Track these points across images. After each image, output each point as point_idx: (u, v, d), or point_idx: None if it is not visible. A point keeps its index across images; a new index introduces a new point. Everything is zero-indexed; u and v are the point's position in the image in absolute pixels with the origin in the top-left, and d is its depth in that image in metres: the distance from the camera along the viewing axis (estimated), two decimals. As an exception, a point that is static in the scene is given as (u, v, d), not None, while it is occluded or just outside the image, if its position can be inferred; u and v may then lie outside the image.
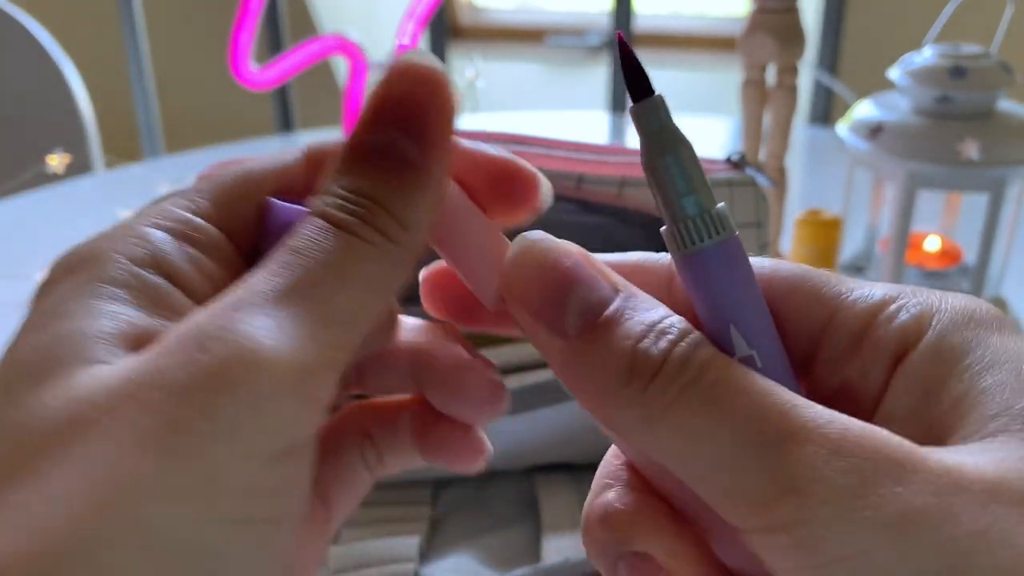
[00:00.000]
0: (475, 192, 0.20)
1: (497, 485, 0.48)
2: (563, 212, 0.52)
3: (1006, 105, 0.61)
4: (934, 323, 0.17)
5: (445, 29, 1.39)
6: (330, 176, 0.18)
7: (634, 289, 0.17)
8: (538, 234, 0.18)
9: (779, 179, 0.64)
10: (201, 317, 0.15)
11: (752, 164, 0.47)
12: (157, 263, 0.17)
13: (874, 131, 0.60)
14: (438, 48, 1.36)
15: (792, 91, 0.62)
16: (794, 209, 0.65)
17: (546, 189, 0.20)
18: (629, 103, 0.17)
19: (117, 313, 0.16)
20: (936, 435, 0.16)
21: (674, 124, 0.17)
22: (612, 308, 0.17)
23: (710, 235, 0.17)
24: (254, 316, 0.15)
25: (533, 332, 0.18)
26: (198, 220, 0.18)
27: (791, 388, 0.17)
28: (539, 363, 0.50)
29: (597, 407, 0.17)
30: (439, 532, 0.46)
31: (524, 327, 0.18)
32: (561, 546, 0.42)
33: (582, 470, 0.47)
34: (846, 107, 0.68)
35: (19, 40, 1.13)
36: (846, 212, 0.66)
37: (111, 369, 0.15)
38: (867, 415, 0.17)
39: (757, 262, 0.19)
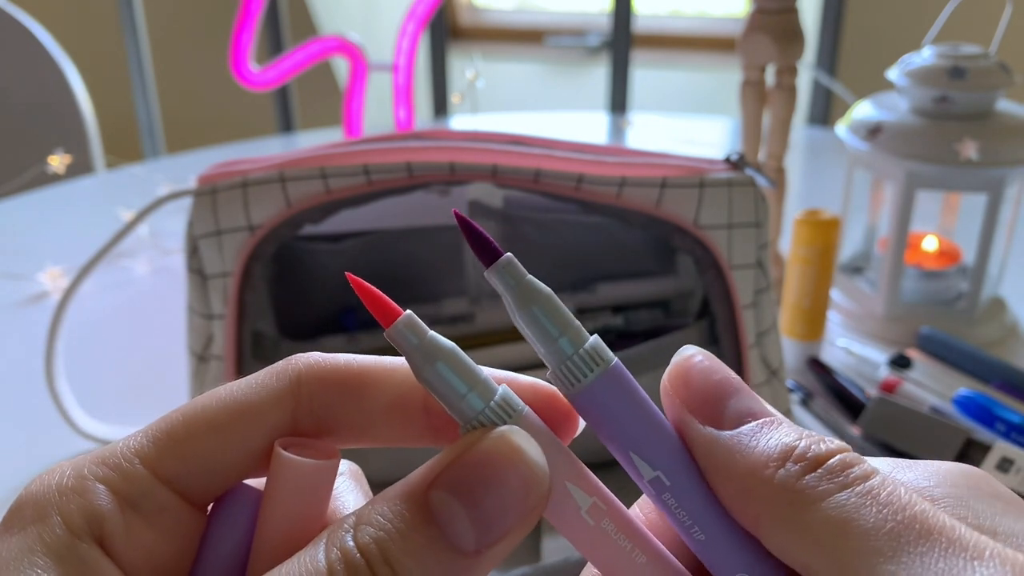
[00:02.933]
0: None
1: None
2: (563, 212, 0.52)
3: (1005, 105, 0.61)
4: (938, 500, 0.17)
5: (445, 30, 1.39)
6: (380, 501, 0.16)
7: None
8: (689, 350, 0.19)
9: (778, 179, 0.64)
10: None
11: (751, 164, 0.47)
12: (95, 530, 0.17)
13: (873, 131, 0.60)
14: (438, 48, 1.36)
15: (791, 91, 0.62)
16: (793, 209, 0.65)
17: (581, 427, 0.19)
18: (498, 260, 0.18)
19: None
20: None
21: (531, 277, 0.18)
22: (771, 416, 0.18)
23: (591, 369, 0.17)
24: None
25: (682, 423, 0.18)
26: (147, 478, 0.18)
27: (701, 502, 0.17)
28: (538, 364, 0.50)
29: (739, 492, 0.17)
30: (439, 531, 0.46)
31: (673, 416, 0.18)
32: (561, 546, 0.42)
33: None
34: (845, 107, 0.68)
35: (21, 41, 1.14)
36: (845, 212, 0.66)
37: None
38: None
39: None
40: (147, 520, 0.17)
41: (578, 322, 0.18)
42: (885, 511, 0.15)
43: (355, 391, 0.19)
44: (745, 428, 0.17)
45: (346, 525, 0.16)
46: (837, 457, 0.16)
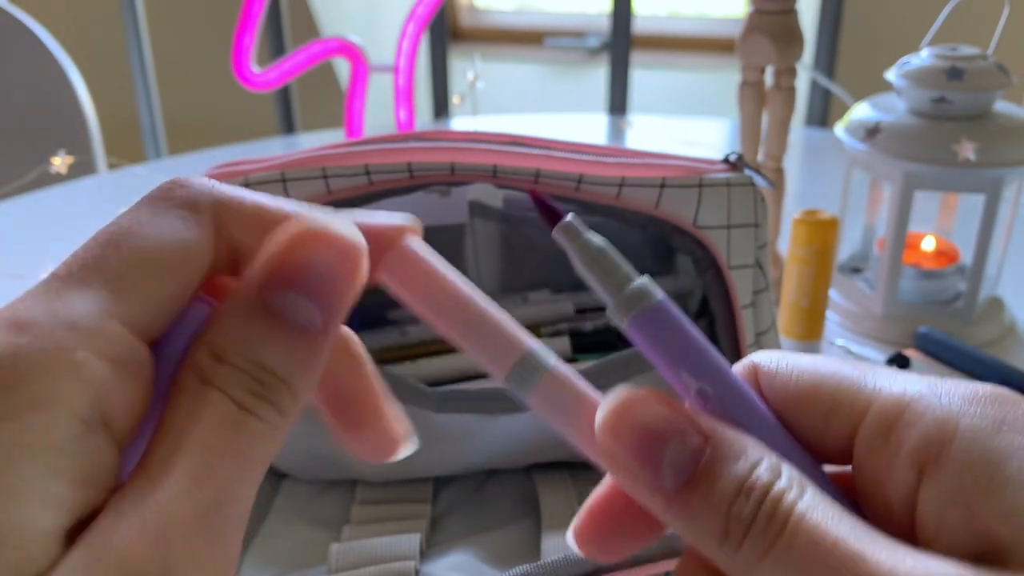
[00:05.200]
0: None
1: (497, 483, 0.48)
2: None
3: (1003, 106, 0.61)
4: (961, 430, 0.17)
5: (445, 31, 1.39)
6: (224, 325, 0.17)
7: (720, 432, 0.19)
8: (622, 394, 0.19)
9: (777, 180, 0.64)
10: (138, 542, 0.15)
11: (750, 165, 0.47)
12: (98, 412, 0.16)
13: (871, 132, 0.61)
14: (438, 50, 1.36)
15: (790, 92, 0.62)
16: (792, 209, 0.65)
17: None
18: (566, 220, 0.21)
19: (56, 497, 0.15)
20: (995, 552, 0.16)
21: (588, 235, 0.21)
22: (703, 463, 0.18)
23: (635, 306, 0.20)
24: (187, 545, 0.15)
25: (637, 493, 0.19)
26: (128, 337, 0.17)
27: (757, 420, 0.19)
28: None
29: (701, 553, 0.18)
30: (440, 530, 0.46)
31: (628, 488, 0.19)
32: (561, 544, 0.43)
33: (581, 468, 0.47)
34: (844, 108, 0.69)
35: (23, 42, 1.14)
36: (843, 212, 0.67)
37: None
38: (905, 517, 0.18)
39: (799, 362, 0.20)
40: (134, 378, 0.17)
41: (628, 267, 0.20)
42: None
43: (261, 232, 0.19)
44: (691, 489, 0.18)
45: (204, 358, 0.17)
46: (763, 512, 0.17)
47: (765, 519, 0.17)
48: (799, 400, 0.20)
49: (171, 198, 0.18)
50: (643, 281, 0.20)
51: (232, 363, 0.17)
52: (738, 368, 0.21)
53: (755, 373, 0.21)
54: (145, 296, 0.17)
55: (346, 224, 0.18)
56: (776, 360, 0.21)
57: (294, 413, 0.18)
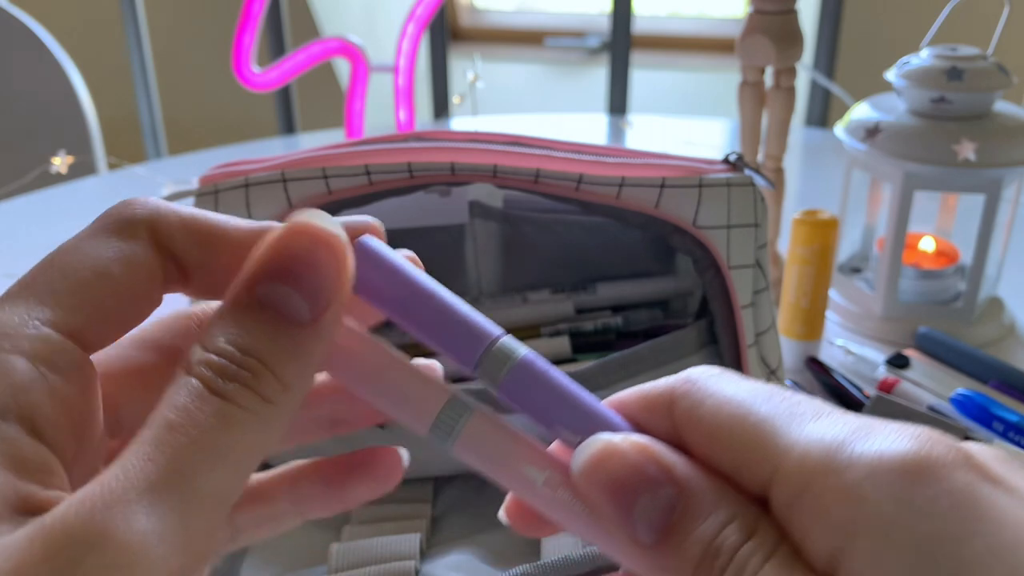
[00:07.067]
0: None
1: (497, 483, 0.48)
2: (563, 212, 0.53)
3: (1002, 106, 0.61)
4: (870, 507, 0.16)
5: (445, 31, 1.39)
6: (215, 321, 0.18)
7: (694, 484, 0.18)
8: (598, 442, 0.19)
9: (777, 180, 0.64)
10: (72, 513, 0.15)
11: (750, 165, 0.47)
12: (17, 409, 0.16)
13: (871, 132, 0.61)
14: (438, 50, 1.36)
15: (790, 92, 0.62)
16: (792, 209, 0.65)
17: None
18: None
19: None
20: None
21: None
22: (674, 518, 0.18)
23: (508, 362, 0.20)
24: (125, 517, 0.15)
25: (612, 540, 0.19)
26: (57, 337, 0.17)
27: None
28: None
29: None
30: (440, 529, 0.46)
31: (604, 533, 0.19)
32: (561, 544, 0.43)
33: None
34: (843, 109, 0.69)
35: (24, 42, 1.14)
36: (843, 212, 0.67)
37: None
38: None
39: (720, 393, 0.19)
40: (65, 379, 0.17)
41: (490, 324, 0.20)
42: None
43: (205, 240, 0.19)
44: (664, 542, 0.18)
45: (197, 348, 0.17)
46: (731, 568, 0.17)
47: None
48: (714, 441, 0.19)
49: (105, 222, 0.19)
50: (506, 339, 0.20)
51: (213, 350, 0.17)
52: (653, 397, 0.20)
53: (670, 405, 0.19)
54: (77, 302, 0.18)
55: (330, 220, 0.18)
56: (701, 388, 0.19)
57: (284, 403, 0.17)
